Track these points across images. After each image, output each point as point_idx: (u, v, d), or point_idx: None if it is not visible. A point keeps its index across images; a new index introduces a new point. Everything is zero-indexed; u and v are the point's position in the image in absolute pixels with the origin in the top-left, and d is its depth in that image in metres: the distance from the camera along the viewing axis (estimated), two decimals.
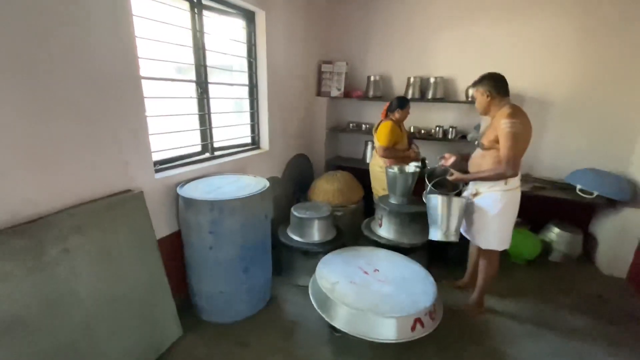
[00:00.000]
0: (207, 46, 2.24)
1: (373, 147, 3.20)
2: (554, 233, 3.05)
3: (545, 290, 2.58)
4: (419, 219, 2.51)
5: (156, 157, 1.98)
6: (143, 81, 1.78)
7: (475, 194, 2.07)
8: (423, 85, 3.47)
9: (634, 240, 2.62)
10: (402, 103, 2.79)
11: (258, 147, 2.94)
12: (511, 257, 2.95)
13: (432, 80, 3.38)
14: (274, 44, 2.78)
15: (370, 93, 3.60)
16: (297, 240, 2.47)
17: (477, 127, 3.22)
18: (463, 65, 3.35)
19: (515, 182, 1.98)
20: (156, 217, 1.89)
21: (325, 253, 2.28)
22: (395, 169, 2.53)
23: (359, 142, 3.97)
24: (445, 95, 3.41)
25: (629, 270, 2.69)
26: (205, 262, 1.93)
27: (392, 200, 2.57)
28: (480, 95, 1.99)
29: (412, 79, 3.45)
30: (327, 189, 3.05)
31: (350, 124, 3.85)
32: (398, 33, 3.51)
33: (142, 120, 1.79)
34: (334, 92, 3.66)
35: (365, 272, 2.08)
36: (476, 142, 2.12)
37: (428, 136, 3.50)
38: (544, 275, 2.79)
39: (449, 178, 2.05)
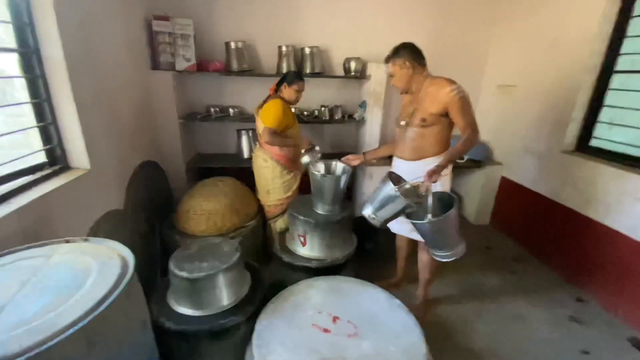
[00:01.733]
0: None
1: (256, 138, 2.39)
2: None
3: None
4: (348, 222, 2.03)
5: None
6: None
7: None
8: (298, 56, 2.86)
9: (493, 191, 3.12)
10: (292, 77, 2.09)
11: (66, 168, 1.56)
12: None
13: (307, 50, 2.82)
14: None
15: (234, 65, 2.67)
16: (193, 317, 1.45)
17: (363, 105, 2.97)
18: (336, 33, 2.95)
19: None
20: None
21: (250, 321, 1.44)
22: (322, 170, 1.87)
23: (227, 132, 3.02)
24: (322, 69, 2.94)
25: (490, 217, 3.23)
26: None
27: (319, 210, 1.91)
28: (399, 69, 1.71)
29: (284, 49, 2.77)
30: (211, 209, 2.05)
31: (212, 109, 2.80)
32: None
33: None
34: (182, 64, 2.49)
35: (326, 330, 1.42)
36: (403, 122, 1.80)
37: (314, 118, 2.97)
38: None
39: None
